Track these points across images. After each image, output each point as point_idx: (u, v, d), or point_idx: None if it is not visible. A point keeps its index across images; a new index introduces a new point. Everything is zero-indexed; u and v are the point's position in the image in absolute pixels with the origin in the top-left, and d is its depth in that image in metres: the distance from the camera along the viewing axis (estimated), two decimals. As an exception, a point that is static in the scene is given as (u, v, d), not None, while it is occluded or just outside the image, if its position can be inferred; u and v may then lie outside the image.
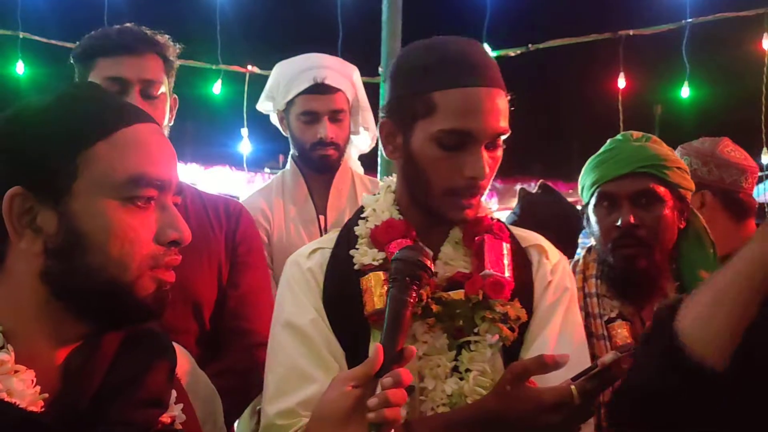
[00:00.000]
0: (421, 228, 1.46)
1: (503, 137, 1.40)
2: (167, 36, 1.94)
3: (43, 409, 0.95)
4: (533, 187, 3.01)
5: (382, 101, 3.84)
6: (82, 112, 1.00)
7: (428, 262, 1.24)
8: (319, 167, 2.57)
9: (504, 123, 1.37)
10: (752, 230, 2.47)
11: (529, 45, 4.86)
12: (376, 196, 1.53)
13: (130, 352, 1.05)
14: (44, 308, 0.98)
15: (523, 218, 2.74)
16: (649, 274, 1.84)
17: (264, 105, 2.74)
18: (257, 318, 1.96)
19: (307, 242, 2.46)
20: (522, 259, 1.48)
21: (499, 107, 1.36)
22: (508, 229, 1.52)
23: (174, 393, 1.10)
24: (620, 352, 1.22)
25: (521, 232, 1.55)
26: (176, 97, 2.01)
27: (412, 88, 1.39)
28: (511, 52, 4.79)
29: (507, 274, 1.41)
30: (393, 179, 1.54)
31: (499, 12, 4.87)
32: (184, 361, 1.20)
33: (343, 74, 2.58)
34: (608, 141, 1.98)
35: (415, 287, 1.22)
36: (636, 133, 1.96)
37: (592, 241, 2.02)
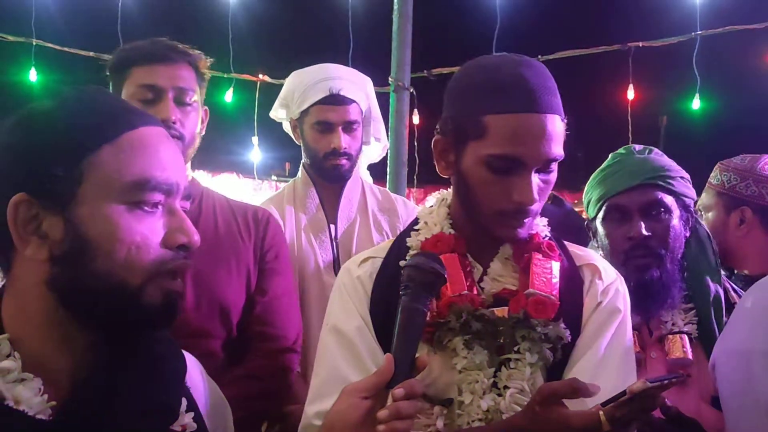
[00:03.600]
0: (472, 243, 1.47)
1: (557, 161, 1.38)
2: (199, 51, 1.97)
3: (51, 417, 0.94)
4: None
5: (392, 110, 3.86)
6: (86, 117, 0.98)
7: (441, 270, 1.23)
8: (331, 177, 2.57)
9: (557, 149, 1.35)
10: None
11: (539, 56, 4.87)
12: (430, 209, 1.55)
13: (140, 360, 1.04)
14: (51, 316, 0.98)
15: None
16: (662, 283, 1.85)
17: (277, 113, 2.74)
18: (283, 324, 2.02)
19: (318, 251, 2.48)
20: (573, 277, 1.47)
21: (551, 133, 1.33)
22: (563, 247, 1.52)
23: (184, 401, 1.09)
24: (651, 382, 1.17)
25: (578, 250, 1.54)
26: (207, 108, 2.04)
27: (464, 109, 1.38)
28: (521, 63, 4.79)
29: (553, 293, 1.40)
30: (448, 192, 1.54)
31: (509, 22, 4.88)
32: (194, 370, 1.20)
33: (357, 85, 2.59)
34: (611, 155, 2.00)
35: (428, 295, 1.21)
36: (638, 146, 1.98)
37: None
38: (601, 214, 1.94)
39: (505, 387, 1.36)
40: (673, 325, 1.86)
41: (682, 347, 1.82)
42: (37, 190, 0.95)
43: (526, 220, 1.39)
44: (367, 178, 2.94)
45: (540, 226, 1.50)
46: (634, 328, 1.85)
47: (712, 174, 2.42)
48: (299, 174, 2.68)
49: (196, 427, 1.10)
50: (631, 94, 4.91)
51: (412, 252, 1.47)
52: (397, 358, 1.15)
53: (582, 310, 1.44)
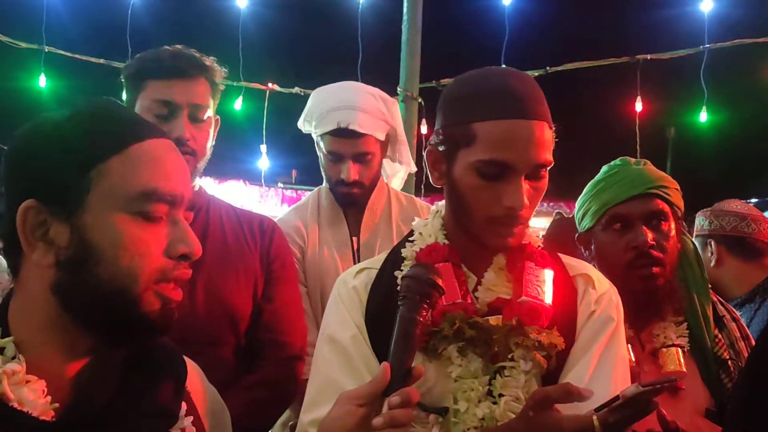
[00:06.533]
0: (466, 253, 1.48)
1: (546, 168, 1.39)
2: (213, 58, 1.98)
3: (53, 419, 0.96)
4: (548, 206, 3.02)
5: (402, 120, 3.85)
6: (97, 128, 1.01)
7: (438, 281, 1.24)
8: (342, 203, 2.54)
9: (545, 155, 1.37)
10: None
11: (547, 67, 4.88)
12: (425, 221, 1.56)
13: (141, 365, 1.06)
14: (55, 320, 0.99)
15: (551, 243, 2.74)
16: (665, 292, 1.85)
17: (303, 126, 2.66)
18: (291, 331, 2.02)
19: (340, 264, 2.46)
20: (567, 287, 1.48)
21: (539, 139, 1.35)
22: (557, 258, 1.53)
23: (184, 406, 1.10)
24: (643, 386, 1.18)
25: (570, 261, 1.56)
26: (218, 117, 2.05)
27: (454, 117, 1.41)
28: (529, 74, 4.82)
29: (547, 300, 1.41)
30: (442, 204, 1.55)
31: (517, 34, 4.90)
32: (194, 375, 1.21)
33: (373, 115, 2.46)
34: (605, 167, 2.01)
35: (425, 306, 1.22)
36: (632, 159, 2.00)
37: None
38: (601, 224, 1.93)
39: (500, 395, 1.36)
40: (665, 338, 1.86)
41: (677, 360, 1.81)
42: (45, 197, 0.97)
43: (516, 228, 1.39)
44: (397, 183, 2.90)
45: (533, 237, 1.51)
46: (626, 342, 1.86)
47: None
48: (324, 186, 2.63)
49: (195, 431, 1.11)
50: (639, 106, 4.92)
51: (407, 262, 1.48)
52: (394, 367, 1.15)
53: (576, 318, 1.45)
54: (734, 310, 2.03)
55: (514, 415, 1.33)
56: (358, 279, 1.52)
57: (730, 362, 1.85)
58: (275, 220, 2.27)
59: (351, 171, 2.41)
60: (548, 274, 1.45)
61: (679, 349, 1.83)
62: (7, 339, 0.99)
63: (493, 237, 1.40)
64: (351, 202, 2.51)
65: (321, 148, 2.48)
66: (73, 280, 0.97)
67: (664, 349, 1.84)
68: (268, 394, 1.92)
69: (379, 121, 2.46)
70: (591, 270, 1.55)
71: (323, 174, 2.56)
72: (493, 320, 1.39)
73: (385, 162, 2.71)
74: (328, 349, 1.45)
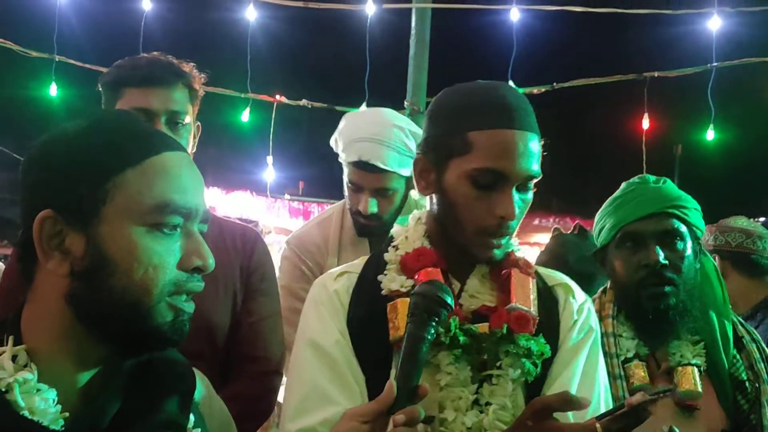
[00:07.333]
0: (449, 261, 1.47)
1: (534, 180, 1.41)
2: (192, 64, 1.97)
3: (63, 428, 0.96)
4: (553, 222, 3.02)
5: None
6: (114, 140, 1.02)
7: (448, 299, 1.23)
8: (359, 232, 2.48)
9: (536, 166, 1.39)
10: None
11: (554, 83, 4.90)
12: (405, 227, 1.55)
13: (151, 376, 1.06)
14: (68, 330, 1.00)
15: (552, 260, 2.74)
16: (677, 312, 1.84)
17: (334, 146, 2.58)
18: (269, 345, 1.98)
19: None
20: (548, 297, 1.49)
21: (531, 150, 1.38)
22: (533, 268, 1.53)
23: (192, 418, 1.10)
24: (648, 394, 1.19)
25: (546, 271, 1.56)
26: (200, 124, 2.03)
27: (449, 127, 1.41)
28: (536, 90, 4.83)
29: (532, 309, 1.41)
30: (422, 213, 1.56)
31: (524, 49, 4.91)
32: (202, 387, 1.21)
33: (401, 151, 2.35)
34: (624, 184, 2.00)
35: (434, 324, 1.21)
36: (652, 177, 1.99)
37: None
38: (615, 242, 1.93)
39: (487, 403, 1.35)
40: (681, 357, 1.85)
41: (692, 379, 1.81)
42: (62, 207, 0.98)
43: (503, 240, 1.41)
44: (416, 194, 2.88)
45: (514, 246, 1.51)
46: (640, 359, 1.86)
47: None
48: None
49: None
50: (646, 123, 4.93)
51: (390, 266, 1.48)
52: (400, 385, 1.15)
53: (558, 327, 1.46)
54: (754, 330, 2.01)
55: (501, 424, 1.33)
56: (339, 282, 1.50)
57: (747, 384, 1.83)
58: (293, 233, 2.24)
59: (369, 205, 2.35)
60: (533, 283, 1.46)
61: (695, 369, 1.82)
62: (19, 347, 0.99)
63: (480, 248, 1.41)
64: (366, 233, 2.46)
65: (345, 173, 2.45)
66: (88, 290, 0.98)
67: (680, 368, 1.83)
68: (242, 408, 1.85)
69: (404, 157, 2.36)
70: (568, 279, 1.56)
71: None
72: (480, 328, 1.39)
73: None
74: (311, 355, 1.42)
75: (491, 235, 1.39)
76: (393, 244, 1.53)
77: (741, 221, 3.00)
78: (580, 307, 1.50)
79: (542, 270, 1.56)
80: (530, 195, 1.42)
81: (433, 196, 1.47)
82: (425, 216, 1.54)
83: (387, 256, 1.50)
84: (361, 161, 2.31)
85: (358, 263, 1.55)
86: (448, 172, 1.41)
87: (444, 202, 1.43)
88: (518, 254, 1.50)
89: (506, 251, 1.47)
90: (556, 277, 1.55)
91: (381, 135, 2.35)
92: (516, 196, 1.38)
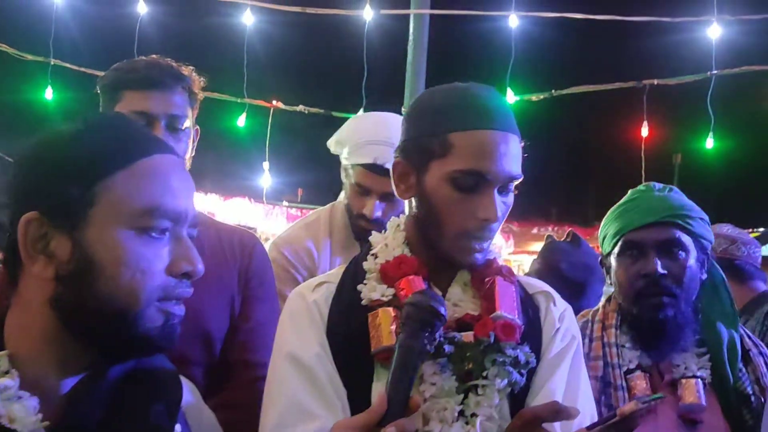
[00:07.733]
0: (430, 268, 1.44)
1: (515, 182, 1.40)
2: (192, 67, 1.95)
3: (44, 438, 0.94)
4: (551, 231, 3.00)
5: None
6: (104, 142, 1.00)
7: (442, 309, 1.21)
8: (357, 236, 2.46)
9: (517, 168, 1.38)
10: (758, 290, 3.10)
11: (553, 90, 4.89)
12: (384, 234, 1.52)
13: (137, 384, 1.04)
14: (52, 335, 0.98)
15: (545, 267, 2.71)
16: (676, 324, 1.81)
17: (334, 148, 2.57)
18: (266, 351, 1.95)
19: None
20: (529, 305, 1.47)
21: (513, 152, 1.37)
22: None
23: (178, 427, 1.08)
24: (641, 402, 1.19)
25: (526, 279, 1.55)
26: (198, 128, 2.01)
27: (429, 128, 1.39)
28: (534, 97, 4.82)
29: (518, 317, 1.39)
30: (401, 219, 1.53)
31: (523, 56, 4.90)
32: (190, 396, 1.18)
33: None
34: (630, 191, 1.97)
35: (427, 335, 1.19)
36: (658, 185, 1.96)
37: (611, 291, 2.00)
38: (616, 250, 1.90)
39: (473, 414, 1.32)
40: (686, 369, 1.82)
41: (695, 392, 1.77)
42: (49, 209, 0.96)
43: (485, 244, 1.39)
44: None
45: (495, 252, 1.49)
46: (643, 370, 1.83)
47: None
48: (339, 204, 2.55)
49: None
50: (645, 131, 4.92)
51: (369, 275, 1.44)
52: (391, 397, 1.13)
53: (541, 336, 1.44)
54: (761, 344, 1.97)
55: None
56: (318, 293, 1.46)
57: (752, 398, 1.80)
58: (279, 235, 2.21)
59: (375, 209, 2.33)
60: (516, 291, 1.43)
61: (700, 381, 1.79)
62: (1, 353, 0.97)
63: (461, 252, 1.38)
64: (366, 237, 2.45)
65: (349, 176, 2.41)
66: (73, 295, 0.96)
67: (684, 381, 1.80)
68: (236, 416, 1.79)
69: None
70: (548, 287, 1.54)
71: (346, 201, 2.48)
72: (465, 337, 1.36)
73: None
74: (291, 369, 1.38)
75: (473, 239, 1.37)
76: (372, 252, 1.49)
77: (726, 228, 3.08)
78: (561, 315, 1.48)
79: (522, 278, 1.54)
80: (511, 197, 1.40)
81: (413, 199, 1.44)
82: (404, 222, 1.51)
83: (366, 265, 1.46)
84: (374, 164, 2.29)
85: (335, 272, 1.52)
86: (428, 175, 1.38)
87: (424, 205, 1.40)
88: (500, 262, 1.48)
89: (487, 258, 1.44)
90: (535, 285, 1.53)
91: (395, 138, 2.34)
92: (498, 198, 1.35)
